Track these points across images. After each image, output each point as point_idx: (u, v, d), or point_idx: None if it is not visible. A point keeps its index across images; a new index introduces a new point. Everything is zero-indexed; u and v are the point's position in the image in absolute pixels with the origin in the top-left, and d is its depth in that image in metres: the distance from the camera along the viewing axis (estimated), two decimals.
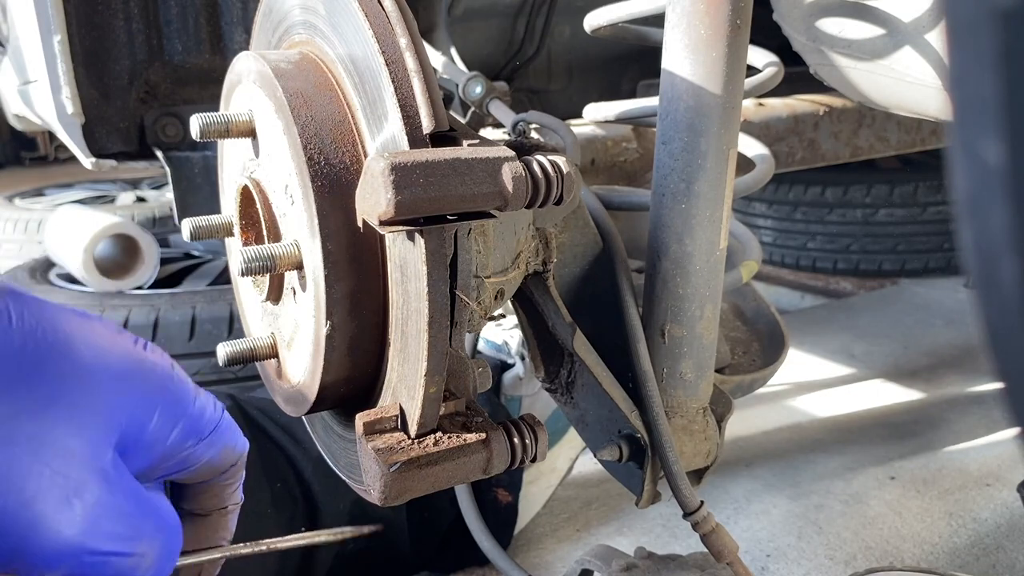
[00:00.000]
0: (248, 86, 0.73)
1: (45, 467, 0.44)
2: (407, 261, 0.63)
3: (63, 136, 1.53)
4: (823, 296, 3.42)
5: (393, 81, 0.62)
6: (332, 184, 0.65)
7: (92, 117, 1.49)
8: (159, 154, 1.59)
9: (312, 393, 0.72)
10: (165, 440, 0.52)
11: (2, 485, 0.43)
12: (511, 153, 0.62)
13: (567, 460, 1.72)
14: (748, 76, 0.89)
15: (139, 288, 2.16)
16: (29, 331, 0.45)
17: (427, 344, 0.63)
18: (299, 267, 0.69)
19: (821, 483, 1.87)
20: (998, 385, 0.30)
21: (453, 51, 1.54)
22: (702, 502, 0.93)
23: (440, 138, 0.63)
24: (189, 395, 0.55)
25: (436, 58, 1.44)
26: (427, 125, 0.62)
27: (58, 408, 0.45)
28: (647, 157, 1.30)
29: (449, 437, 0.67)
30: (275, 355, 0.79)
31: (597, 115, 1.22)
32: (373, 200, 0.58)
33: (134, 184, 4.17)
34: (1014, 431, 0.30)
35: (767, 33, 1.16)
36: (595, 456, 0.95)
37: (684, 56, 0.82)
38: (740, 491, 1.84)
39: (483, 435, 0.68)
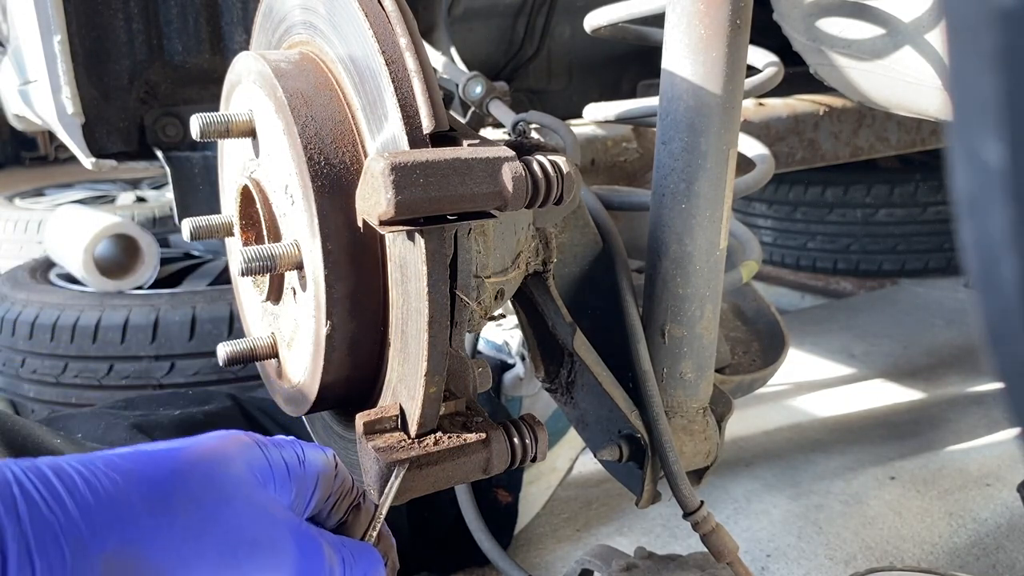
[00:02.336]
0: (248, 86, 0.73)
1: None
2: (407, 261, 0.63)
3: (63, 136, 1.53)
4: (823, 296, 3.42)
5: (393, 81, 0.62)
6: (332, 184, 0.66)
7: (92, 117, 1.49)
8: (159, 154, 1.59)
9: (312, 393, 0.72)
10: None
11: None
12: (511, 153, 0.62)
13: (567, 460, 1.72)
14: (748, 76, 0.89)
15: (139, 288, 2.16)
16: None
17: (427, 344, 0.63)
18: (299, 267, 0.69)
19: (821, 483, 1.87)
20: (998, 385, 0.30)
21: (453, 51, 1.54)
22: (702, 502, 0.93)
23: (440, 138, 0.63)
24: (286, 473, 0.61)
25: (436, 58, 1.44)
26: (427, 125, 0.62)
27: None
28: (647, 157, 1.30)
29: (449, 437, 0.67)
30: (275, 355, 0.79)
31: (597, 115, 1.22)
32: (373, 200, 0.58)
33: (134, 184, 4.17)
34: (1014, 431, 0.30)
35: (767, 33, 1.16)
36: (595, 456, 0.95)
37: (684, 56, 0.82)
38: (740, 491, 1.84)
39: (483, 435, 0.68)
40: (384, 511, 0.65)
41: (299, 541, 0.56)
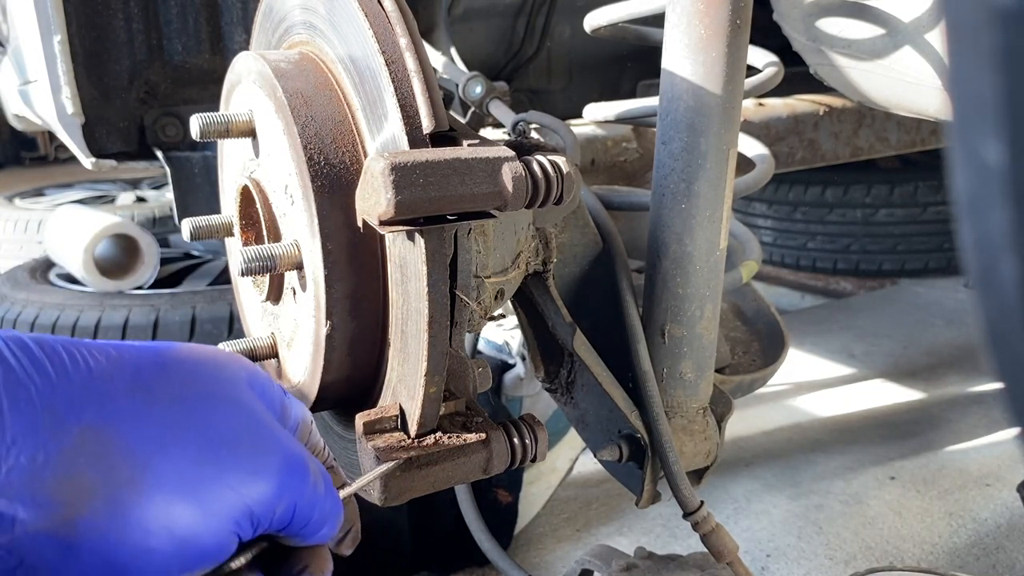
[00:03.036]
0: (248, 86, 0.73)
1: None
2: (407, 261, 0.63)
3: (63, 136, 1.53)
4: (823, 296, 3.42)
5: (393, 81, 0.62)
6: (332, 184, 0.65)
7: (92, 117, 1.49)
8: (159, 154, 1.59)
9: (312, 393, 0.72)
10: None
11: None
12: (511, 153, 0.62)
13: (567, 460, 1.72)
14: (748, 76, 0.89)
15: (139, 288, 2.16)
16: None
17: (427, 344, 0.63)
18: (299, 267, 0.69)
19: (821, 483, 1.87)
20: (998, 385, 0.30)
21: (453, 51, 1.54)
22: (702, 502, 0.93)
23: (440, 138, 0.63)
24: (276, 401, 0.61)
25: (436, 58, 1.44)
26: (427, 125, 0.62)
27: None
28: (647, 157, 1.30)
29: (449, 437, 0.67)
30: (275, 355, 0.79)
31: (597, 115, 1.22)
32: (373, 200, 0.58)
33: (134, 184, 4.17)
34: (1014, 431, 0.30)
35: (767, 33, 1.16)
36: (595, 456, 0.95)
37: (684, 56, 0.82)
38: (740, 491, 1.84)
39: (483, 435, 0.68)
40: (359, 485, 0.65)
41: (285, 451, 0.54)
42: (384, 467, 0.64)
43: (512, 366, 1.63)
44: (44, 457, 0.46)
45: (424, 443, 0.66)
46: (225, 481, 0.51)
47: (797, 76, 1.34)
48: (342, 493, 0.63)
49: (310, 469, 0.55)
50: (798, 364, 2.56)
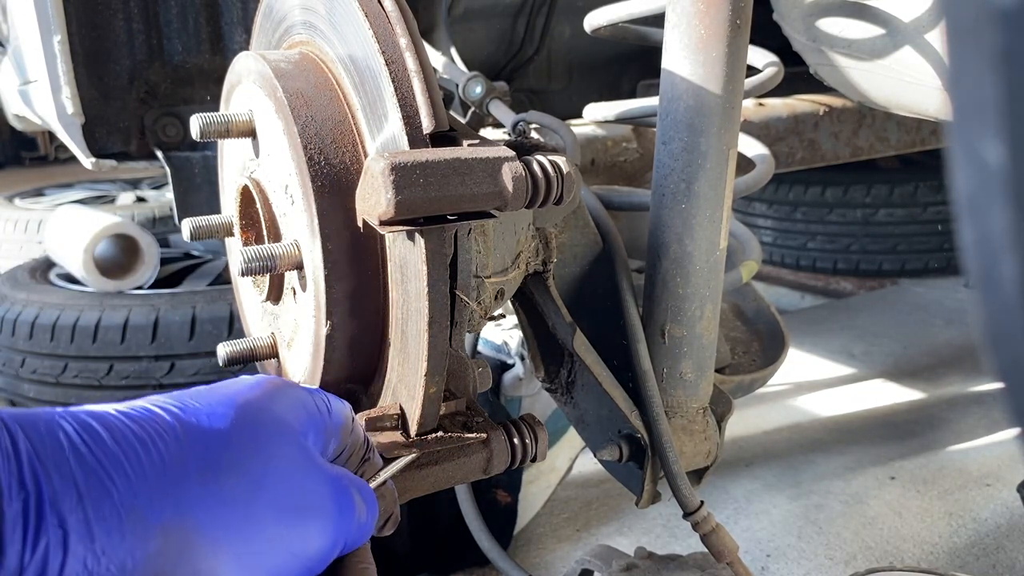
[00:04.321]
0: (248, 86, 0.73)
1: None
2: (407, 261, 0.63)
3: (63, 136, 1.53)
4: (823, 296, 3.42)
5: (393, 81, 0.62)
6: (332, 184, 0.65)
7: (92, 117, 1.49)
8: (159, 154, 1.59)
9: None
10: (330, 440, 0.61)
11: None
12: (511, 153, 0.62)
13: (567, 460, 1.72)
14: (748, 76, 0.89)
15: (139, 288, 2.16)
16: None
17: (427, 344, 0.63)
18: (299, 267, 0.69)
19: (821, 483, 1.87)
20: (998, 385, 0.30)
21: (453, 51, 1.54)
22: (702, 502, 0.93)
23: (440, 138, 0.63)
24: (316, 414, 0.60)
25: (436, 58, 1.44)
26: (427, 125, 0.62)
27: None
28: (647, 157, 1.30)
29: (449, 437, 0.67)
30: (275, 355, 0.79)
31: (597, 115, 1.22)
32: (373, 200, 0.58)
33: (134, 184, 4.17)
34: (1014, 431, 0.30)
35: (767, 33, 1.16)
36: (595, 456, 0.95)
37: (684, 56, 0.82)
38: (740, 491, 1.84)
39: (483, 435, 0.68)
40: (388, 473, 0.65)
41: (337, 499, 0.55)
42: (406, 459, 0.64)
43: (511, 366, 1.63)
44: (132, 563, 0.46)
45: (424, 443, 0.66)
46: (290, 549, 0.52)
47: (797, 76, 1.34)
48: (372, 484, 0.64)
49: (355, 505, 0.56)
50: (798, 364, 2.56)
